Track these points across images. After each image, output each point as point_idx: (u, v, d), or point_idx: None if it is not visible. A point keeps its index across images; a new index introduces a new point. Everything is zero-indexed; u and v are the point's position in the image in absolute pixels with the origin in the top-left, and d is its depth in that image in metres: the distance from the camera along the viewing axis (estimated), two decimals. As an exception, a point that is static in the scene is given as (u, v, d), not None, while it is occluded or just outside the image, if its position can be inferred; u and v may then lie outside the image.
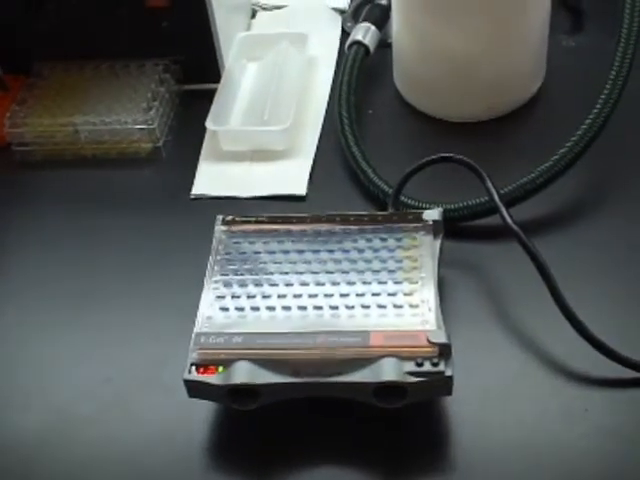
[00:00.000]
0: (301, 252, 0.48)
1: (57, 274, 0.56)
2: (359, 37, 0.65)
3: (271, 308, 0.45)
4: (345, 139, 0.60)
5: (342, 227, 0.49)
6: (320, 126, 0.64)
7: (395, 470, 0.44)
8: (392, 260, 0.47)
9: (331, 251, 0.48)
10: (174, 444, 0.46)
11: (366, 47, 0.65)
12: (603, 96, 0.53)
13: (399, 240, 0.48)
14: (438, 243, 0.48)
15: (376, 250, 0.48)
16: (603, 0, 0.68)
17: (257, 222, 0.50)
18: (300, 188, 0.59)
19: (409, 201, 0.54)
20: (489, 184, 0.51)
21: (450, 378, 0.42)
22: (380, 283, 0.46)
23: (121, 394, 0.49)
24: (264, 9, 0.76)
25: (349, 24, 0.72)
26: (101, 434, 0.47)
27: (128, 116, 0.62)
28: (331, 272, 0.47)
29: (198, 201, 0.60)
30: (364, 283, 0.46)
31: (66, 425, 0.48)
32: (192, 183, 0.60)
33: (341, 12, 0.74)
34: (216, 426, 0.46)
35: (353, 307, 0.45)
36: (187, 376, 0.43)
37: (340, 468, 0.44)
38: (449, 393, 0.43)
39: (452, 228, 0.51)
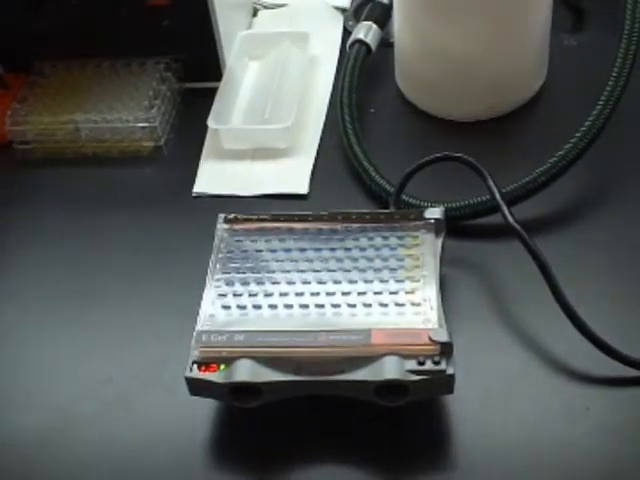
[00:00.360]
0: (303, 250, 0.48)
1: (57, 274, 0.56)
2: (361, 36, 0.65)
3: (273, 306, 0.45)
4: (347, 138, 0.60)
5: (344, 225, 0.49)
6: (321, 125, 0.64)
7: (396, 469, 0.44)
8: (394, 258, 0.47)
9: (333, 249, 0.48)
10: (175, 443, 0.46)
11: (368, 46, 0.65)
12: (604, 95, 0.53)
13: (401, 238, 0.48)
14: (440, 241, 0.48)
15: (378, 248, 0.48)
16: (604, -1, 0.68)
17: (259, 220, 0.50)
18: (302, 186, 0.59)
19: (411, 200, 0.54)
20: (491, 183, 0.51)
21: (452, 376, 0.42)
22: (382, 281, 0.46)
23: (122, 393, 0.49)
24: (265, 7, 0.76)
25: (350, 23, 0.72)
26: (102, 433, 0.47)
27: (129, 114, 0.62)
28: (333, 270, 0.47)
29: (200, 199, 0.60)
30: (366, 281, 0.46)
31: (67, 425, 0.48)
32: (194, 181, 0.60)
33: (342, 11, 0.74)
34: (217, 425, 0.46)
35: (355, 305, 0.45)
36: (188, 374, 0.43)
37: (341, 467, 0.44)
38: (450, 391, 0.43)
39: (454, 227, 0.51)
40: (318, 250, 0.48)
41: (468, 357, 0.45)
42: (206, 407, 0.46)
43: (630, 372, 0.46)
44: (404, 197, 0.54)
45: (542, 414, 0.45)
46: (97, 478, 0.45)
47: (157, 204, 0.60)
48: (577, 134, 0.53)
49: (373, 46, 0.65)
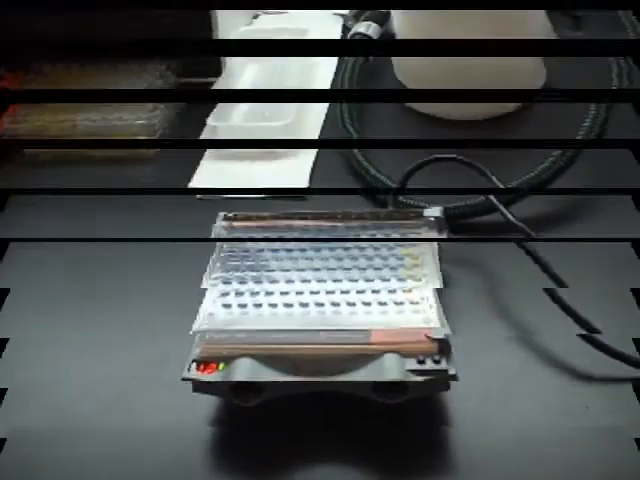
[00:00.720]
0: (303, 249, 0.48)
1: (57, 274, 0.56)
2: (361, 29, 0.65)
3: (273, 305, 0.45)
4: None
5: (344, 224, 0.49)
6: (321, 123, 0.64)
7: (396, 467, 0.44)
8: (393, 257, 0.47)
9: (332, 248, 0.48)
10: (175, 443, 0.46)
11: (367, 45, 0.65)
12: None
13: (401, 237, 0.48)
14: (439, 240, 0.48)
15: (377, 247, 0.48)
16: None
17: (258, 219, 0.50)
18: (301, 185, 0.59)
19: (410, 200, 0.54)
20: (490, 182, 0.51)
21: (452, 376, 0.42)
22: (381, 280, 0.46)
23: (122, 393, 0.48)
24: (266, 13, 0.76)
25: (350, 22, 0.72)
26: (102, 433, 0.47)
27: (129, 113, 0.62)
28: (333, 269, 0.47)
29: (199, 198, 0.59)
30: (365, 280, 0.46)
31: (67, 425, 0.47)
32: (193, 180, 0.60)
33: (342, 15, 0.74)
34: (217, 425, 0.46)
35: (354, 304, 0.45)
36: (189, 373, 0.43)
37: (341, 465, 0.44)
38: (447, 388, 0.43)
39: (453, 225, 0.51)
40: (318, 249, 0.48)
41: (468, 356, 0.44)
42: (206, 407, 0.46)
43: (630, 371, 0.46)
44: (403, 197, 0.54)
45: (542, 413, 0.45)
46: (97, 478, 0.45)
47: (157, 203, 0.60)
48: (577, 134, 0.53)
49: (373, 45, 0.65)
